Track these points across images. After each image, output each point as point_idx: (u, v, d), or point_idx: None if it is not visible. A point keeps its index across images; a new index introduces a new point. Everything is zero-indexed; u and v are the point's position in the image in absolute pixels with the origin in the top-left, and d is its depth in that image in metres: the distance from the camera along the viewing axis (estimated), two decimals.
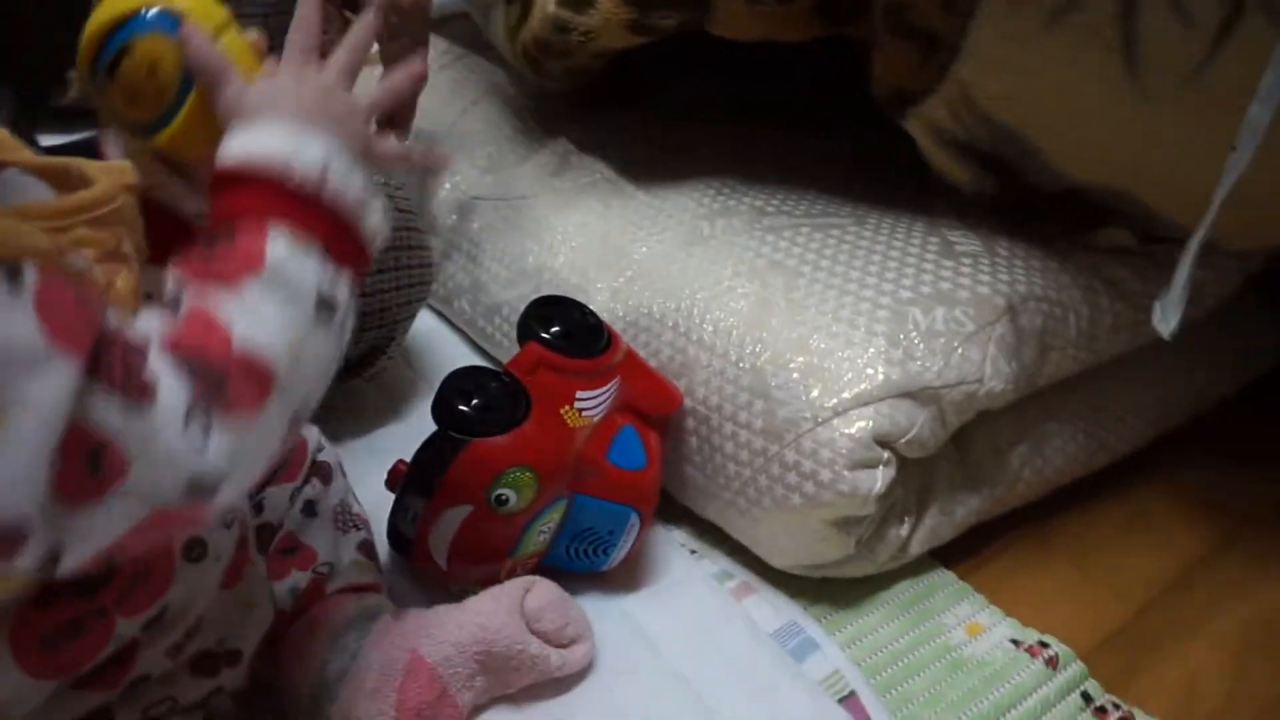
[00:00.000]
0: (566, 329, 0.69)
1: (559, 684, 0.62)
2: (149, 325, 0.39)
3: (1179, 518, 0.84)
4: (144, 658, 0.48)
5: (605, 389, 0.68)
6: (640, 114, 1.01)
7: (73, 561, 0.37)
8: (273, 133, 0.45)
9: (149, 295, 0.52)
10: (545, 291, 0.83)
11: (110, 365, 0.36)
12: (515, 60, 0.94)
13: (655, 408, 0.72)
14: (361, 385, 0.82)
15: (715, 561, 0.75)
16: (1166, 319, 0.67)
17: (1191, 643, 0.73)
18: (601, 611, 0.67)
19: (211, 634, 0.52)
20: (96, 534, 0.37)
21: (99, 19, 0.47)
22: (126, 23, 0.46)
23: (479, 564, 0.64)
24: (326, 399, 0.45)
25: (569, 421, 0.65)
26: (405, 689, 0.56)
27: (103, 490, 0.36)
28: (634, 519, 0.67)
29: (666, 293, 0.77)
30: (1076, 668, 0.69)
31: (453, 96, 1.08)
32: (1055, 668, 0.69)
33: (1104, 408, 0.83)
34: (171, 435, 0.37)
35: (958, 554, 0.77)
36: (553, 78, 0.95)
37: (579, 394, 0.67)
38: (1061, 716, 0.66)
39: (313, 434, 0.67)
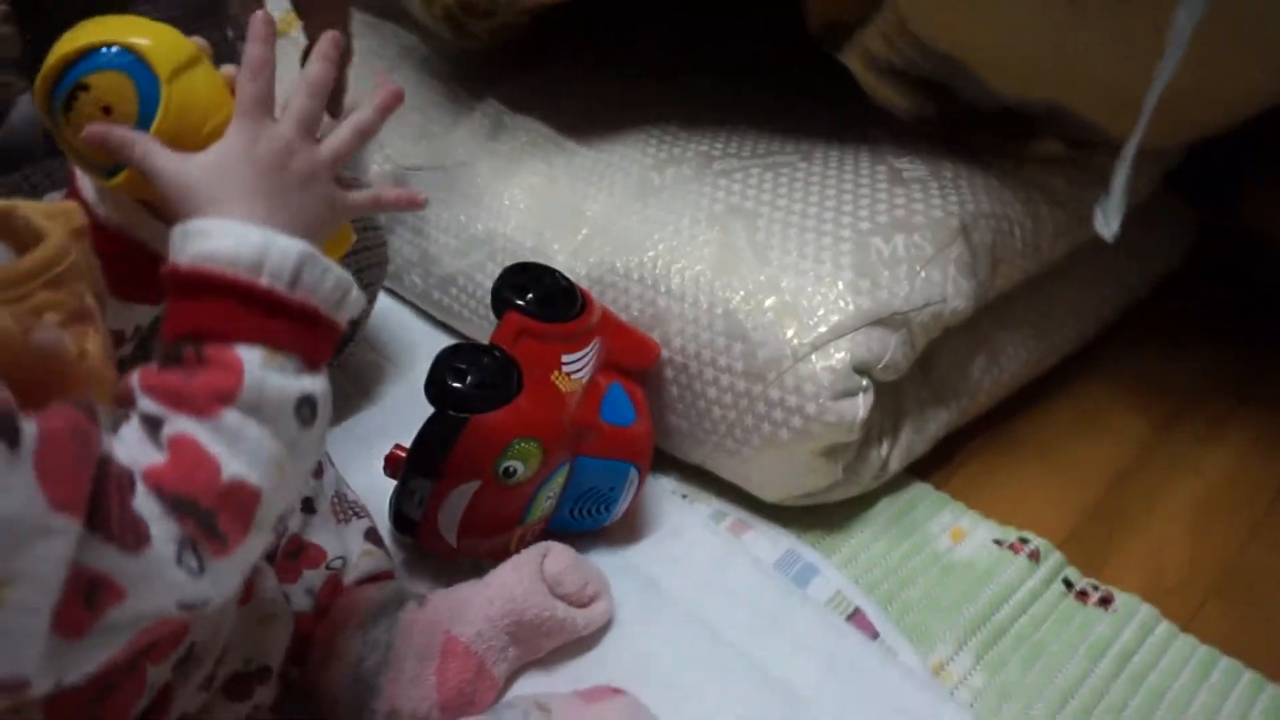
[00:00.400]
0: (541, 295, 0.69)
1: (584, 642, 0.64)
2: (132, 453, 0.38)
3: (1123, 407, 0.90)
4: (179, 697, 0.47)
5: (587, 350, 0.69)
6: (566, 69, 1.00)
7: (76, 679, 0.37)
8: (231, 230, 0.41)
9: (119, 333, 0.50)
10: (499, 258, 0.83)
11: (106, 515, 0.35)
12: (434, 24, 0.92)
13: (635, 362, 0.73)
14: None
15: (708, 504, 0.77)
16: (1109, 222, 0.71)
17: (1152, 520, 0.79)
18: (610, 566, 0.68)
19: (237, 656, 0.52)
20: (96, 656, 0.37)
21: (57, 52, 0.44)
22: (83, 58, 0.44)
23: (489, 537, 0.65)
24: None
25: (561, 387, 0.65)
26: (444, 671, 0.57)
27: (97, 619, 0.35)
28: (633, 474, 0.68)
29: (628, 247, 0.78)
30: (1056, 558, 0.74)
31: (366, 67, 1.05)
32: (1037, 561, 0.74)
33: (1049, 313, 0.87)
34: (166, 571, 0.37)
35: (930, 466, 0.81)
36: (475, 38, 0.93)
37: (564, 358, 0.67)
38: (1047, 605, 0.71)
39: None
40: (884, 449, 0.75)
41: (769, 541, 0.74)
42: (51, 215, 0.41)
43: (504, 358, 0.63)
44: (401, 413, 0.69)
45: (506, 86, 0.97)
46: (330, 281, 0.42)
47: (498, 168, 0.88)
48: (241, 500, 0.39)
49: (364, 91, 1.01)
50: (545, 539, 0.66)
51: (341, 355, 0.79)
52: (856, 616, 0.69)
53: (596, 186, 0.84)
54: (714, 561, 0.71)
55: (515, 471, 0.62)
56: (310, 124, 0.46)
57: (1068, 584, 0.73)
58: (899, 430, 0.77)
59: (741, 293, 0.72)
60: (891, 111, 0.83)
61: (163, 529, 0.37)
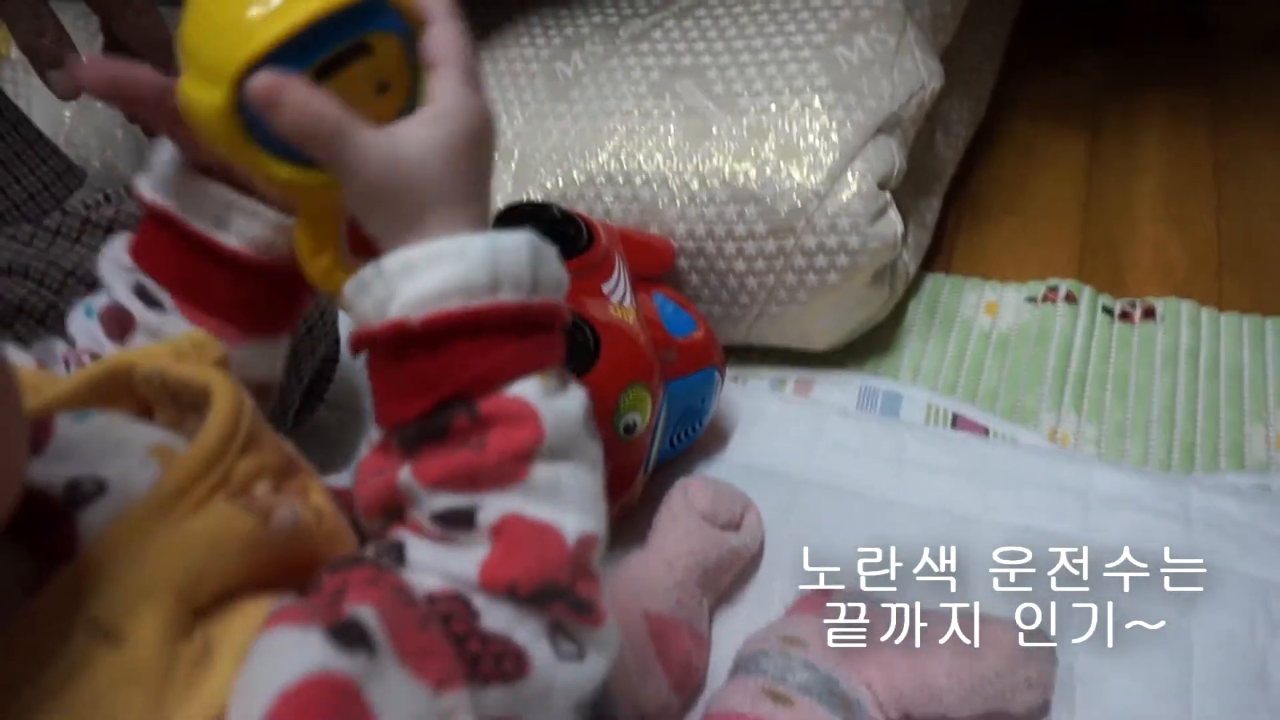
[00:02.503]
0: (551, 233, 0.60)
1: (751, 560, 0.60)
2: (447, 566, 0.30)
3: (1051, 132, 0.92)
4: None
5: (616, 271, 0.62)
6: None
7: None
8: (447, 250, 0.31)
9: (268, 386, 0.41)
10: None
11: (475, 658, 0.29)
12: None
13: (657, 266, 0.67)
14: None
15: (759, 378, 0.74)
16: None
17: (1134, 226, 0.82)
18: (723, 477, 0.64)
19: None
20: None
21: (301, 10, 0.29)
22: (350, 14, 0.30)
23: (614, 501, 0.59)
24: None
25: (622, 318, 0.59)
26: (665, 653, 0.52)
27: None
28: (716, 376, 0.64)
29: (575, 153, 0.70)
30: (1088, 292, 0.76)
31: None
32: (1074, 302, 0.75)
33: (965, 64, 0.86)
34: (555, 676, 0.31)
35: (929, 258, 0.80)
36: None
37: (603, 287, 0.60)
38: (1104, 338, 0.73)
39: None
40: (905, 254, 0.74)
41: (839, 389, 0.72)
42: (182, 355, 0.31)
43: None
44: None
45: None
46: (555, 263, 0.34)
47: None
48: (588, 554, 0.32)
49: None
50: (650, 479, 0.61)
51: (334, 380, 0.68)
52: (960, 422, 0.69)
53: (501, 101, 0.74)
54: (807, 428, 0.68)
55: (635, 425, 0.56)
56: None
57: (1108, 312, 0.75)
58: (908, 231, 0.75)
59: (731, 154, 0.67)
60: None
61: (528, 632, 0.30)
